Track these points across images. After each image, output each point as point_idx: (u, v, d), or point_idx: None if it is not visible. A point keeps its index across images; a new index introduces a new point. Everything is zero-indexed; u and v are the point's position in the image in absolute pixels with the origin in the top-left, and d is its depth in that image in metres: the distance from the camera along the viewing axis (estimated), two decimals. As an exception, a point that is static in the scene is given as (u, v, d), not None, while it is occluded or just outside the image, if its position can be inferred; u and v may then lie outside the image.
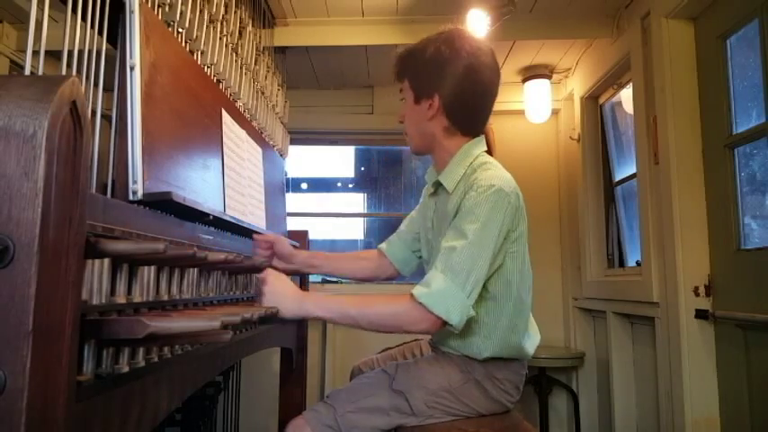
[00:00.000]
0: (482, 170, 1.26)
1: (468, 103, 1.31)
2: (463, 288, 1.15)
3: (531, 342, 1.37)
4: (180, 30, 1.40)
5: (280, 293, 1.21)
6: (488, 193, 1.19)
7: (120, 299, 0.85)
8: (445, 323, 1.15)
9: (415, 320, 1.16)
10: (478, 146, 1.34)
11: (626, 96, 2.62)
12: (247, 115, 1.94)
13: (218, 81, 1.67)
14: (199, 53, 1.52)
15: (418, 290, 1.16)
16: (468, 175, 1.28)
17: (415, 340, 1.65)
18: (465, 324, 1.18)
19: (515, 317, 1.30)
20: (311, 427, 1.23)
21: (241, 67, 1.88)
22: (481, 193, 1.19)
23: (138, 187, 1.03)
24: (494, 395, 1.33)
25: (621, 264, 2.75)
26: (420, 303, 1.15)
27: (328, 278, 3.16)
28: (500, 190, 1.20)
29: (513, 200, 1.22)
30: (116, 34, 1.10)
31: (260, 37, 2.19)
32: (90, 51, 1.00)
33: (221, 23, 1.69)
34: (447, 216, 1.29)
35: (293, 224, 2.56)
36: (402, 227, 1.66)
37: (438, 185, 1.37)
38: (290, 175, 3.32)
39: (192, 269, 1.11)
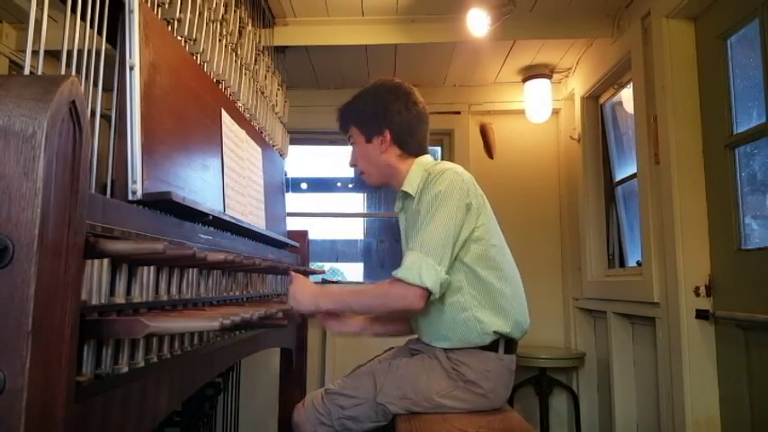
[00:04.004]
0: (435, 166, 1.47)
1: (413, 131, 1.53)
2: (432, 255, 1.31)
3: (515, 323, 1.44)
4: (179, 30, 1.40)
5: (299, 293, 1.43)
6: (442, 176, 1.39)
7: (120, 299, 0.85)
8: (424, 291, 1.30)
9: (398, 296, 1.33)
10: (428, 157, 1.57)
11: (626, 96, 2.62)
12: (247, 115, 1.94)
13: (218, 81, 1.67)
14: (199, 53, 1.52)
15: (396, 270, 1.34)
16: (425, 176, 1.46)
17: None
18: (456, 315, 1.38)
19: (488, 300, 1.41)
20: (311, 424, 1.45)
21: (241, 67, 1.88)
22: (434, 179, 1.39)
23: (137, 187, 1.03)
24: (486, 392, 1.40)
25: (622, 264, 2.74)
26: (398, 279, 1.32)
27: (327, 279, 3.19)
28: (452, 170, 1.41)
29: (466, 177, 1.42)
30: (116, 34, 1.10)
31: (260, 37, 2.19)
32: (89, 51, 0.99)
33: (221, 23, 1.69)
34: (414, 218, 1.43)
35: (293, 224, 2.56)
36: None
37: (404, 196, 1.54)
38: (289, 175, 3.32)
39: (191, 269, 1.11)
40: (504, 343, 1.42)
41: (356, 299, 1.42)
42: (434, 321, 1.43)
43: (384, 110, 1.52)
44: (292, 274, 1.50)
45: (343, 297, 1.43)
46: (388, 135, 1.52)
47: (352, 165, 1.62)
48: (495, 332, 1.39)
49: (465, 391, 1.39)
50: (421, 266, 1.30)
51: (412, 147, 1.54)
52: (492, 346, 1.41)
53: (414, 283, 1.29)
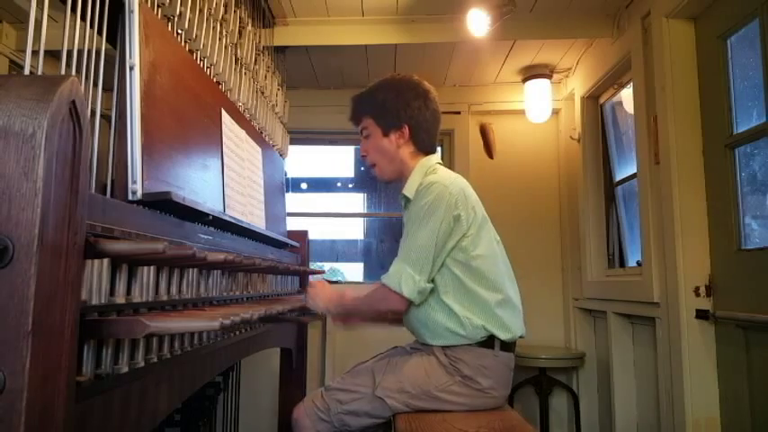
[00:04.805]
0: (427, 176, 1.49)
1: (429, 128, 1.58)
2: (412, 265, 1.39)
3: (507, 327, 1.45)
4: (179, 30, 1.40)
5: (313, 296, 1.54)
6: (429, 189, 1.43)
7: (120, 299, 0.85)
8: (404, 298, 1.39)
9: (381, 298, 1.43)
10: (432, 158, 1.59)
11: (626, 96, 2.62)
12: (247, 115, 1.94)
13: (218, 81, 1.67)
14: (198, 53, 1.52)
15: (383, 275, 1.44)
16: (422, 182, 1.49)
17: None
18: (447, 315, 1.41)
19: (470, 304, 1.43)
20: (310, 420, 1.46)
21: (241, 67, 1.88)
22: (424, 190, 1.44)
23: (137, 187, 1.03)
24: (484, 388, 1.42)
25: (622, 264, 2.74)
26: (383, 285, 1.43)
27: (328, 279, 3.20)
28: (439, 184, 1.43)
29: (453, 190, 1.43)
30: (116, 34, 1.10)
31: (260, 37, 2.19)
32: (89, 51, 0.99)
33: (221, 23, 1.69)
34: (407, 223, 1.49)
35: (293, 224, 2.56)
36: None
37: (405, 200, 1.55)
38: (290, 175, 3.32)
39: (191, 269, 1.11)
40: (500, 342, 1.43)
41: (353, 304, 1.53)
42: (428, 323, 1.45)
43: (405, 105, 1.55)
44: (311, 279, 1.65)
45: (345, 303, 1.54)
46: (406, 130, 1.55)
47: (363, 156, 1.64)
48: (484, 327, 1.41)
49: (463, 386, 1.40)
50: (401, 275, 1.39)
51: (425, 144, 1.58)
52: (488, 343, 1.42)
53: (394, 290, 1.40)
